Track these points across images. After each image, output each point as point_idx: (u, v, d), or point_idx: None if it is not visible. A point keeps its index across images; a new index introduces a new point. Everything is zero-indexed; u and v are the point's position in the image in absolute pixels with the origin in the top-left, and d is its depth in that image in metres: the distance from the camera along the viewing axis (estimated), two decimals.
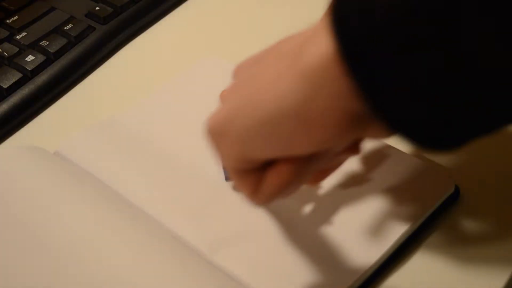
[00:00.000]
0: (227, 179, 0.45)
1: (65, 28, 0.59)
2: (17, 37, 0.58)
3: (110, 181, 0.46)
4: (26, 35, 0.58)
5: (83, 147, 0.49)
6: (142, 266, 0.39)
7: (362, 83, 0.28)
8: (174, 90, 0.54)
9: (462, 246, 0.43)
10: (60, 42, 0.58)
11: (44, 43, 0.57)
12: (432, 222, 0.43)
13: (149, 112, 0.52)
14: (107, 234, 0.41)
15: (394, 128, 0.29)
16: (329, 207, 0.43)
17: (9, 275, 0.40)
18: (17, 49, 0.57)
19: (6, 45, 0.57)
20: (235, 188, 0.44)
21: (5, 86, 0.53)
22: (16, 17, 0.60)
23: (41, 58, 0.56)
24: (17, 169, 0.46)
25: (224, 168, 0.46)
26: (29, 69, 0.55)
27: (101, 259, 0.40)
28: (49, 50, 0.57)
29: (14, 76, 0.54)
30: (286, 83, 0.31)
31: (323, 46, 0.29)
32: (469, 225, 0.44)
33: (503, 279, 0.41)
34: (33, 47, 0.57)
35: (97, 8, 0.61)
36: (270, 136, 0.32)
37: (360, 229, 0.42)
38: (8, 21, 0.59)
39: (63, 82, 0.56)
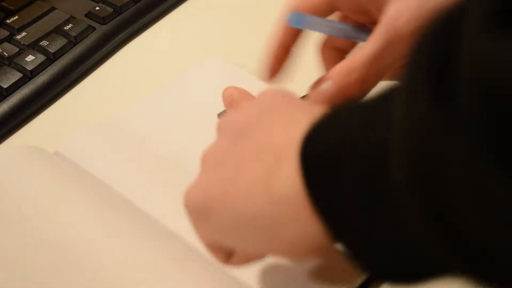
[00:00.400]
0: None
1: (65, 28, 0.59)
2: (17, 37, 0.58)
3: (110, 180, 0.46)
4: (26, 35, 0.58)
5: (83, 147, 0.49)
6: (142, 266, 0.39)
7: (326, 219, 0.29)
8: (174, 90, 0.54)
9: None
10: (60, 42, 0.57)
11: (44, 43, 0.57)
12: None
13: (149, 112, 0.52)
14: (107, 233, 0.41)
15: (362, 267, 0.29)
16: None
17: (9, 275, 0.40)
18: (17, 49, 0.56)
19: (6, 45, 0.57)
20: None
21: (5, 86, 0.53)
22: (16, 17, 0.60)
23: (41, 58, 0.56)
24: (17, 169, 0.46)
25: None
26: (29, 69, 0.55)
27: (101, 259, 0.40)
28: (49, 50, 0.57)
29: (14, 76, 0.54)
30: (259, 203, 0.31)
31: (291, 179, 0.30)
32: None
33: None
34: (33, 47, 0.57)
35: (97, 8, 0.61)
36: (242, 239, 0.33)
37: None
38: (8, 21, 0.59)
39: (63, 82, 0.56)
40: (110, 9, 0.61)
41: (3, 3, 0.61)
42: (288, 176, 0.30)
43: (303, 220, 0.30)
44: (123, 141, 0.49)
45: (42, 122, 0.54)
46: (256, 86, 0.49)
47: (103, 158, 0.48)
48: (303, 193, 0.29)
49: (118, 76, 0.58)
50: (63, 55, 0.57)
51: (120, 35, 0.61)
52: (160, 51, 0.61)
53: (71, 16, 0.60)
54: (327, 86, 0.40)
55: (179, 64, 0.58)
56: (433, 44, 0.24)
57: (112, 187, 0.45)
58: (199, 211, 0.34)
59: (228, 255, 0.36)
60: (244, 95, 0.42)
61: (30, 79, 0.55)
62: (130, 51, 0.61)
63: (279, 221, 0.31)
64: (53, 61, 0.57)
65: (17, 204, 0.44)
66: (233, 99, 0.42)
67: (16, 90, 0.54)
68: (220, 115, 0.48)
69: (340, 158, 0.28)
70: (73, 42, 0.58)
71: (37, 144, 0.49)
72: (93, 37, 0.59)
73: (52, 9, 0.61)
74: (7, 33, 0.58)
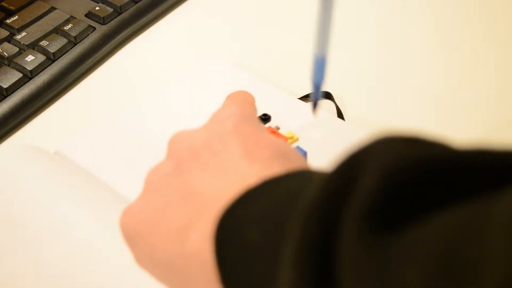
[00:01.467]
0: None
1: (65, 28, 0.59)
2: (17, 37, 0.58)
3: (110, 180, 0.46)
4: (26, 35, 0.58)
5: (83, 147, 0.49)
6: None
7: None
8: (175, 90, 0.54)
9: None
10: (60, 42, 0.57)
11: (44, 43, 0.57)
12: None
13: (149, 112, 0.52)
14: (107, 233, 0.41)
15: None
16: None
17: (9, 274, 0.40)
18: (17, 49, 0.56)
19: (6, 45, 0.57)
20: None
21: (5, 86, 0.53)
22: (16, 17, 0.60)
23: (41, 58, 0.56)
24: (17, 169, 0.46)
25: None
26: (29, 69, 0.55)
27: (101, 259, 0.40)
28: (49, 50, 0.57)
29: (14, 76, 0.54)
30: (173, 252, 0.31)
31: (202, 241, 0.30)
32: None
33: None
34: (33, 47, 0.57)
35: (97, 8, 0.61)
36: (159, 277, 0.33)
37: None
38: (8, 21, 0.59)
39: (63, 82, 0.56)
40: (110, 9, 0.61)
41: (3, 3, 0.61)
42: (200, 239, 0.30)
43: (209, 280, 0.30)
44: (123, 141, 0.49)
45: (42, 122, 0.54)
46: (256, 86, 0.49)
47: (104, 158, 0.48)
48: (211, 261, 0.29)
49: (118, 76, 0.58)
50: (63, 55, 0.57)
51: (120, 35, 0.61)
52: (160, 51, 0.61)
53: (71, 16, 0.60)
54: None
55: (179, 64, 0.59)
56: (310, 254, 0.24)
57: (112, 187, 0.45)
58: (128, 235, 0.34)
59: None
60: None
61: (30, 79, 0.55)
62: (130, 51, 0.61)
63: (190, 274, 0.31)
64: (53, 61, 0.56)
65: (17, 204, 0.44)
66: None
67: (16, 90, 0.54)
68: (263, 117, 0.47)
69: (245, 264, 0.28)
70: (73, 42, 0.58)
71: (37, 144, 0.49)
72: (93, 37, 0.59)
73: (52, 9, 0.61)
74: (7, 33, 0.58)
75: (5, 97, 0.53)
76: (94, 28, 0.60)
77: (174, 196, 0.32)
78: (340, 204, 0.24)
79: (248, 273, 0.28)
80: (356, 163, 0.24)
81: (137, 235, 0.33)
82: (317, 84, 0.45)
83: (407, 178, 0.23)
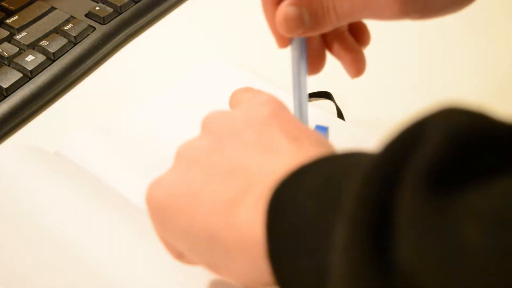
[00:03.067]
0: None
1: (65, 28, 0.59)
2: (17, 37, 0.58)
3: (110, 180, 0.46)
4: (26, 35, 0.58)
5: (83, 147, 0.49)
6: (142, 266, 0.39)
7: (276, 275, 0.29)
8: (175, 90, 0.54)
9: None
10: (60, 42, 0.57)
11: (44, 43, 0.57)
12: None
13: (149, 112, 0.52)
14: (107, 233, 0.41)
15: None
16: None
17: (10, 274, 0.40)
18: (17, 49, 0.56)
19: (6, 45, 0.57)
20: None
21: (5, 86, 0.53)
22: (16, 17, 0.60)
23: (41, 58, 0.56)
24: (17, 169, 0.46)
25: None
26: (29, 69, 0.55)
27: (101, 258, 0.40)
28: (49, 50, 0.57)
29: (14, 76, 0.54)
30: (217, 225, 0.31)
31: (253, 217, 0.30)
32: None
33: None
34: (33, 47, 0.57)
35: (97, 8, 0.61)
36: (191, 250, 0.33)
37: None
38: (8, 21, 0.59)
39: (63, 82, 0.56)
40: (110, 9, 0.61)
41: (3, 3, 0.61)
42: (251, 212, 0.30)
43: (254, 259, 0.30)
44: (123, 141, 0.49)
45: (42, 122, 0.54)
46: (256, 86, 0.49)
47: (104, 158, 0.48)
48: (260, 235, 0.29)
49: (118, 76, 0.58)
50: (63, 55, 0.57)
51: (120, 35, 0.61)
52: (160, 51, 0.61)
53: (71, 16, 0.60)
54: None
55: (179, 64, 0.59)
56: (370, 208, 0.24)
57: (112, 186, 0.45)
58: (158, 207, 0.33)
59: (179, 254, 0.36)
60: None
61: (30, 79, 0.55)
62: (130, 51, 0.61)
63: (231, 250, 0.31)
64: (53, 61, 0.57)
65: (18, 204, 0.44)
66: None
67: (16, 90, 0.54)
68: None
69: (297, 235, 0.28)
70: (73, 42, 0.58)
71: (37, 144, 0.49)
72: (93, 37, 0.59)
73: (52, 9, 0.61)
74: (7, 33, 0.58)
75: (5, 97, 0.53)
76: (94, 28, 0.60)
77: (217, 170, 0.32)
78: (401, 165, 0.24)
79: (299, 244, 0.28)
80: (417, 130, 0.25)
81: (170, 207, 0.33)
82: None
83: (468, 143, 0.23)
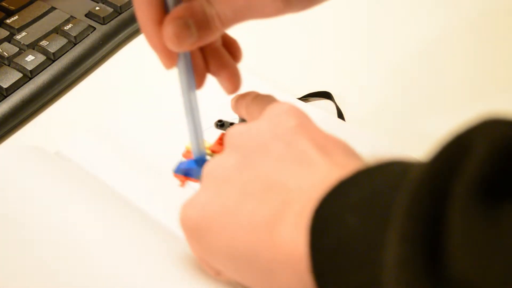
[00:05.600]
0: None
1: (65, 28, 0.59)
2: (17, 37, 0.58)
3: (110, 180, 0.46)
4: (26, 35, 0.58)
5: (84, 147, 0.49)
6: (142, 266, 0.39)
7: None
8: (175, 90, 0.54)
9: None
10: (60, 42, 0.57)
11: (44, 43, 0.57)
12: None
13: (149, 112, 0.52)
14: (107, 233, 0.41)
15: None
16: None
17: (10, 274, 0.40)
18: (17, 49, 0.56)
19: (6, 45, 0.57)
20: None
21: (5, 86, 0.53)
22: (16, 17, 0.60)
23: (41, 58, 0.56)
24: (17, 169, 0.46)
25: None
26: (29, 69, 0.55)
27: (101, 258, 0.40)
28: (49, 50, 0.57)
29: (14, 76, 0.54)
30: (259, 243, 0.31)
31: (296, 234, 0.30)
32: None
33: None
34: (33, 47, 0.57)
35: (97, 8, 0.61)
36: (231, 268, 0.33)
37: None
38: (8, 21, 0.59)
39: (63, 82, 0.56)
40: (110, 9, 0.61)
41: (3, 3, 0.61)
42: (293, 229, 0.30)
43: (298, 274, 0.30)
44: (123, 141, 0.49)
45: (42, 122, 0.54)
46: (255, 86, 0.49)
47: (104, 158, 0.48)
48: (304, 252, 0.29)
49: (118, 76, 0.58)
50: (63, 55, 0.57)
51: (120, 35, 0.61)
52: None
53: (71, 16, 0.60)
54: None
55: None
56: (421, 223, 0.24)
57: (112, 186, 0.45)
58: (194, 228, 0.33)
59: (217, 271, 0.36)
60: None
61: (30, 79, 0.55)
62: (130, 51, 0.61)
63: (274, 267, 0.31)
64: (53, 61, 0.57)
65: (18, 204, 0.44)
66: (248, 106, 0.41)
67: (16, 90, 0.54)
68: (219, 123, 0.47)
69: (343, 251, 0.28)
70: (73, 42, 0.58)
71: (37, 144, 0.49)
72: (93, 37, 0.59)
73: (52, 9, 0.61)
74: (7, 33, 0.58)
75: (5, 97, 0.53)
76: (94, 28, 0.60)
77: (251, 187, 0.32)
78: (450, 177, 0.24)
79: (345, 260, 0.28)
80: (463, 142, 0.25)
81: (207, 227, 0.33)
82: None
83: None
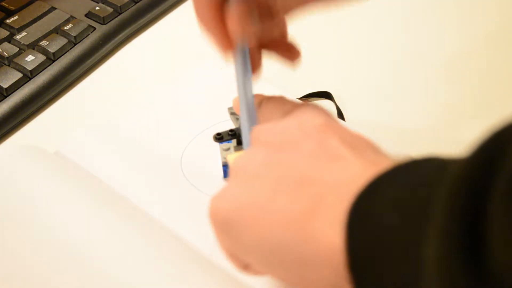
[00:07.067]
0: (225, 176, 0.46)
1: (65, 28, 0.59)
2: (17, 37, 0.58)
3: (110, 180, 0.46)
4: (26, 35, 0.58)
5: (83, 147, 0.49)
6: (142, 265, 0.39)
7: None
8: (175, 90, 0.54)
9: None
10: (60, 42, 0.58)
11: (44, 43, 0.57)
12: None
13: (149, 112, 0.52)
14: (107, 233, 0.41)
15: None
16: None
17: (10, 274, 0.40)
18: (17, 49, 0.56)
19: (6, 45, 0.57)
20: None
21: (5, 86, 0.53)
22: (16, 17, 0.60)
23: (41, 58, 0.56)
24: (17, 169, 0.46)
25: (223, 165, 0.46)
26: (29, 69, 0.55)
27: (101, 258, 0.40)
28: (49, 50, 0.57)
29: (14, 76, 0.54)
30: (293, 237, 0.31)
31: (332, 230, 0.30)
32: None
33: None
34: (33, 47, 0.57)
35: (97, 8, 0.61)
36: (262, 262, 0.33)
37: None
38: (8, 21, 0.59)
39: (63, 82, 0.56)
40: (110, 9, 0.61)
41: (3, 3, 0.61)
42: (328, 224, 0.30)
43: (333, 268, 0.30)
44: (123, 141, 0.49)
45: (42, 122, 0.54)
46: (256, 85, 0.49)
47: (103, 158, 0.48)
48: (340, 246, 0.29)
49: (118, 76, 0.58)
50: (63, 55, 0.57)
51: (120, 35, 0.61)
52: (160, 51, 0.61)
53: (71, 16, 0.60)
54: None
55: (179, 64, 0.59)
56: (462, 219, 0.24)
57: (112, 186, 0.45)
58: (224, 222, 0.33)
59: (245, 265, 0.35)
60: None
61: (30, 79, 0.55)
62: (130, 51, 0.61)
63: (309, 260, 0.31)
64: (53, 61, 0.57)
65: (17, 204, 0.44)
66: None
67: (16, 90, 0.54)
68: (217, 136, 0.46)
69: (381, 247, 0.28)
70: (73, 42, 0.58)
71: (37, 144, 0.49)
72: (93, 37, 0.59)
73: (52, 9, 0.61)
74: (7, 33, 0.58)
75: (5, 97, 0.53)
76: (94, 28, 0.60)
77: (283, 183, 0.32)
78: (490, 173, 0.24)
79: (383, 256, 0.28)
80: (501, 138, 0.25)
81: (238, 220, 0.33)
82: None
83: None
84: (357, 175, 0.30)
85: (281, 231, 0.31)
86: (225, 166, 0.45)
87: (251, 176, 0.33)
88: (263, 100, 0.40)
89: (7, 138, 0.52)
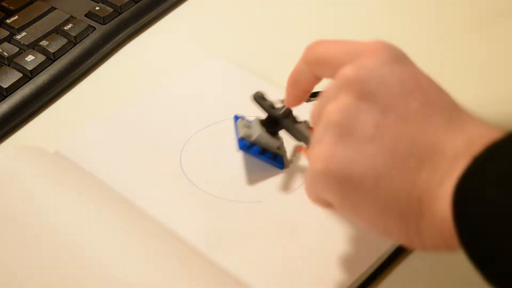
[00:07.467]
0: (242, 148, 0.46)
1: (65, 28, 0.59)
2: (17, 37, 0.58)
3: (110, 180, 0.46)
4: (26, 35, 0.58)
5: (83, 147, 0.49)
6: (142, 265, 0.40)
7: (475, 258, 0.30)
8: (175, 90, 0.54)
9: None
10: (60, 42, 0.58)
11: (44, 43, 0.57)
12: None
13: (148, 111, 0.52)
14: (107, 233, 0.41)
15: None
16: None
17: (9, 274, 0.40)
18: (17, 49, 0.57)
19: (6, 45, 0.57)
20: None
21: (5, 86, 0.54)
22: (16, 17, 0.60)
23: (41, 58, 0.56)
24: (17, 169, 0.46)
25: (240, 139, 0.46)
26: (29, 69, 0.55)
27: (100, 258, 0.40)
28: (49, 50, 0.57)
29: (14, 76, 0.54)
30: (404, 207, 0.32)
31: (445, 212, 0.31)
32: None
33: None
34: (33, 47, 0.57)
35: (97, 8, 0.61)
36: (363, 216, 0.34)
37: (361, 229, 0.42)
38: (8, 21, 0.59)
39: (63, 82, 0.56)
40: (110, 9, 0.61)
41: (3, 3, 0.61)
42: (444, 194, 0.31)
43: (442, 235, 0.31)
44: (123, 141, 0.49)
45: (42, 122, 0.54)
46: (256, 85, 0.49)
47: (103, 157, 0.48)
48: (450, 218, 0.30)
49: (118, 76, 0.58)
50: (63, 55, 0.57)
51: (120, 35, 0.61)
52: (160, 51, 0.61)
53: (71, 16, 0.60)
54: None
55: (179, 64, 0.59)
56: None
57: (112, 186, 0.45)
58: (336, 182, 0.33)
59: (327, 204, 0.36)
60: None
61: (30, 79, 0.55)
62: (130, 51, 0.61)
63: (418, 224, 0.32)
64: (53, 61, 0.57)
65: (17, 204, 0.44)
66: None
67: (16, 90, 0.54)
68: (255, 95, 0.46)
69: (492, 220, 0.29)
70: (73, 42, 0.58)
71: (37, 144, 0.49)
72: (93, 37, 0.59)
73: (52, 9, 0.61)
74: (7, 33, 0.58)
75: (5, 97, 0.53)
76: (94, 28, 0.60)
77: (398, 149, 0.32)
78: None
79: (495, 228, 0.29)
80: None
81: (354, 186, 0.33)
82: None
83: None
84: (472, 138, 0.31)
85: (397, 201, 0.32)
86: (242, 140, 0.46)
87: (364, 139, 0.33)
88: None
89: (7, 138, 0.53)
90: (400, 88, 0.33)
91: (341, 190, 0.34)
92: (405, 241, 0.33)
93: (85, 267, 0.40)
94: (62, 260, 0.40)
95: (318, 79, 0.40)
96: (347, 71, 0.34)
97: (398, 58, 0.35)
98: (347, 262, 0.40)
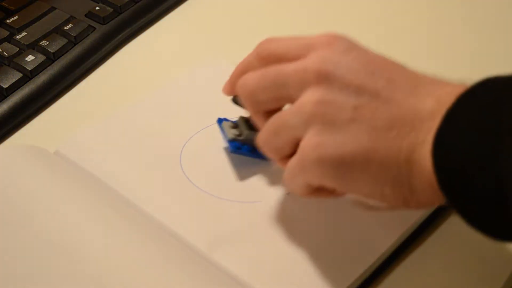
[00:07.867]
0: (232, 151, 0.47)
1: (65, 28, 0.59)
2: (17, 37, 0.58)
3: (110, 180, 0.46)
4: (26, 35, 0.58)
5: (83, 147, 0.49)
6: (141, 266, 0.40)
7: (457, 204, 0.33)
8: (174, 90, 0.54)
9: (461, 247, 0.43)
10: (60, 42, 0.58)
11: (44, 43, 0.57)
12: (430, 222, 0.43)
13: (149, 111, 0.52)
14: (107, 233, 0.41)
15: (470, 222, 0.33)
16: (330, 207, 0.43)
17: (9, 274, 0.40)
18: (17, 49, 0.57)
19: (6, 45, 0.57)
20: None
21: (5, 86, 0.54)
22: (16, 17, 0.60)
23: (41, 58, 0.56)
24: (17, 169, 0.46)
25: (230, 141, 0.46)
26: (29, 69, 0.55)
27: (100, 258, 0.40)
28: (49, 50, 0.57)
29: (14, 76, 0.54)
30: (398, 176, 0.35)
31: (427, 167, 0.34)
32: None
33: (501, 280, 0.41)
34: (33, 47, 0.57)
35: (97, 8, 0.61)
36: (362, 190, 0.37)
37: (360, 229, 0.42)
38: (8, 21, 0.59)
39: (63, 82, 0.56)
40: (110, 9, 0.61)
41: (3, 3, 0.61)
42: (428, 152, 0.33)
43: (434, 190, 0.33)
44: (123, 141, 0.49)
45: (42, 122, 0.54)
46: None
47: (104, 157, 0.48)
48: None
49: (118, 76, 0.58)
50: (63, 55, 0.57)
51: (120, 35, 0.61)
52: (160, 51, 0.61)
53: (71, 16, 0.60)
54: None
55: (178, 64, 0.59)
56: None
57: (112, 186, 0.45)
58: (333, 167, 0.36)
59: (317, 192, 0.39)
60: None
61: (30, 79, 0.55)
62: (130, 51, 0.61)
63: (411, 186, 0.35)
64: (53, 61, 0.57)
65: (17, 204, 0.44)
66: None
67: (16, 90, 0.54)
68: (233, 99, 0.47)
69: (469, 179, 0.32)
70: (73, 42, 0.58)
71: (37, 144, 0.49)
72: (93, 37, 0.59)
73: (52, 9, 0.61)
74: (7, 33, 0.58)
75: (5, 97, 0.53)
76: (94, 28, 0.60)
77: (379, 124, 0.35)
78: None
79: (470, 169, 0.31)
80: None
81: (348, 167, 0.35)
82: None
83: None
84: (435, 107, 0.34)
85: (390, 171, 0.35)
86: (232, 142, 0.46)
87: (346, 122, 0.35)
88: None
89: (7, 138, 0.53)
90: (364, 71, 0.36)
91: (337, 173, 0.36)
92: (402, 203, 0.36)
93: (85, 267, 0.40)
94: (61, 260, 0.40)
95: None
96: (311, 65, 0.37)
97: (352, 45, 0.38)
98: (347, 262, 0.40)
